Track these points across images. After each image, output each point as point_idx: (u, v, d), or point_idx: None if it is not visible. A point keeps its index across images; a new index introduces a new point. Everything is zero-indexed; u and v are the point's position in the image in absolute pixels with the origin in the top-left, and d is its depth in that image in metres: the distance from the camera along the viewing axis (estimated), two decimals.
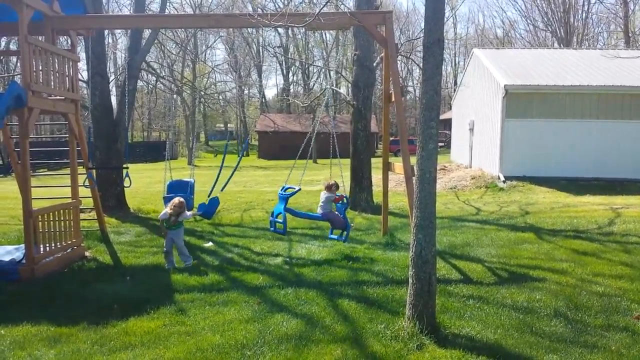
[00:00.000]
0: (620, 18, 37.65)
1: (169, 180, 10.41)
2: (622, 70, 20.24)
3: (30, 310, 6.12)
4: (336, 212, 8.78)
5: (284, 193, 8.86)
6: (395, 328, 5.24)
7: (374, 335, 5.19)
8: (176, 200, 8.21)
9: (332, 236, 9.03)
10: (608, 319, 5.56)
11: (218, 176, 11.08)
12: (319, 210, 8.75)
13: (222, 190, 10.51)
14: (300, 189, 8.93)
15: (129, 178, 10.46)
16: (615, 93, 18.55)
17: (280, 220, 8.59)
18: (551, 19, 46.52)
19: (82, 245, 9.06)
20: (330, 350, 4.87)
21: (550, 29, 47.33)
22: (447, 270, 7.56)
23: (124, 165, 10.92)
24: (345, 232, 8.71)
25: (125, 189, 13.00)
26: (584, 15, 47.12)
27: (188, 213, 8.57)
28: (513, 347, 4.87)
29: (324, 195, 8.76)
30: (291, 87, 65.87)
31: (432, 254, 5.23)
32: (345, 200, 8.84)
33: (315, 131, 9.75)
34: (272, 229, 8.94)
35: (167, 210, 8.17)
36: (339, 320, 5.65)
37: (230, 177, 10.67)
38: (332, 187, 8.81)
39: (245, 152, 58.93)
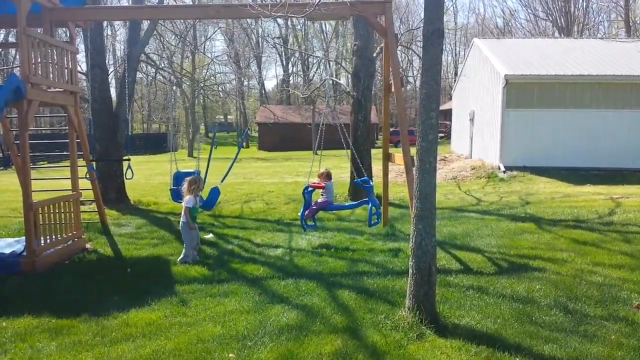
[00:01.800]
0: (621, 7, 37.50)
1: (175, 171, 10.38)
2: (623, 59, 20.17)
3: (31, 302, 6.14)
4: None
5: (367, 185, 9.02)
6: (395, 318, 5.25)
7: (374, 325, 5.20)
8: (189, 179, 8.02)
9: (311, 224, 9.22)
10: (607, 309, 5.57)
11: (229, 168, 10.92)
12: (326, 199, 8.86)
13: (222, 181, 10.47)
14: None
15: (131, 170, 10.45)
16: (617, 82, 18.51)
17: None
18: (552, 8, 46.39)
19: (82, 237, 9.08)
20: (331, 340, 4.88)
21: (550, 19, 47.20)
22: (447, 260, 7.58)
23: (126, 157, 10.90)
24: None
25: (125, 181, 13.00)
26: (584, 4, 47.04)
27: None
28: (512, 337, 4.88)
29: (328, 184, 8.96)
30: (291, 78, 65.73)
31: (432, 244, 5.23)
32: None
33: (321, 123, 9.79)
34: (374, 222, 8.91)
35: (189, 195, 7.85)
36: (339, 311, 5.66)
37: (230, 168, 10.60)
38: (330, 176, 9.05)
39: (245, 143, 58.92)
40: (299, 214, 9.22)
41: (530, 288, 6.25)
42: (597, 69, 19.08)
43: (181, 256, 7.90)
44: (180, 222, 7.98)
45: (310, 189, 8.92)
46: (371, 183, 9.23)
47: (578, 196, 13.46)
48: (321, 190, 8.96)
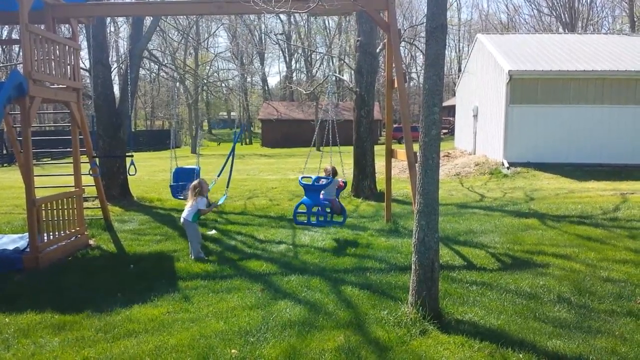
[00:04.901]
0: (625, 2, 37.30)
1: (175, 167, 10.36)
2: (627, 55, 20.07)
3: (34, 299, 6.14)
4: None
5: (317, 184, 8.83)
6: (398, 314, 5.24)
7: (377, 321, 5.19)
8: (190, 186, 7.98)
9: (334, 221, 9.06)
10: (612, 304, 5.55)
11: (230, 166, 10.80)
12: (322, 196, 8.82)
13: (217, 176, 10.43)
14: (332, 180, 8.87)
15: (134, 166, 10.46)
16: (621, 78, 18.40)
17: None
18: (556, 4, 46.23)
19: (85, 233, 9.09)
20: (334, 336, 4.87)
21: (554, 14, 47.05)
22: (450, 256, 7.56)
23: (129, 154, 10.90)
24: (343, 217, 8.92)
25: (129, 177, 13.01)
26: None
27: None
28: (516, 333, 4.86)
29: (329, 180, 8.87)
30: (294, 74, 65.60)
31: (435, 240, 5.22)
32: (344, 186, 9.26)
33: (320, 119, 9.80)
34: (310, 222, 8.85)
35: (200, 197, 7.85)
36: (342, 306, 5.65)
37: (225, 165, 10.50)
38: (336, 173, 9.01)
39: (243, 139, 58.71)
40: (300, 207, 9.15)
41: (534, 284, 6.23)
42: (602, 65, 18.97)
43: (193, 254, 7.85)
44: (183, 219, 7.93)
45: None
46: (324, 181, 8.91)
47: (582, 192, 13.40)
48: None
